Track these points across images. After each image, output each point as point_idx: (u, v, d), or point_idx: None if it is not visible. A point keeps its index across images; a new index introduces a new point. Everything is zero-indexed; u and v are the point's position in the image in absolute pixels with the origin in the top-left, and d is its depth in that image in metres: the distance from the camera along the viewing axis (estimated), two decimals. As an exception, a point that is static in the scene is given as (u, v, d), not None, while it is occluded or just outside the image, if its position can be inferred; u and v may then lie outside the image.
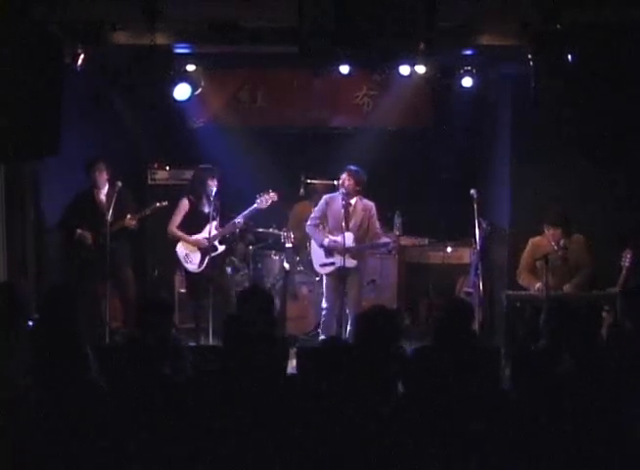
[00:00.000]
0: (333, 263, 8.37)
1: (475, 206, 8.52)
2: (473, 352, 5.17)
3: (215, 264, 8.62)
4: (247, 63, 9.51)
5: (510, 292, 8.23)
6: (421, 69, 8.25)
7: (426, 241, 9.66)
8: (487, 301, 8.61)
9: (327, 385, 4.52)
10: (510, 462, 4.23)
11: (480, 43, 7.78)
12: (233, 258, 9.69)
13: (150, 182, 10.02)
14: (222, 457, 4.17)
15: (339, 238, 8.26)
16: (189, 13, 7.29)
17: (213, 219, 8.46)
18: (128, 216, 8.50)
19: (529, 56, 7.21)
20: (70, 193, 8.81)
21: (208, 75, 9.03)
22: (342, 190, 8.34)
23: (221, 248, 8.71)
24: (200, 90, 8.80)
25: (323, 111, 10.15)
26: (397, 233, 8.56)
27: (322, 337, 8.39)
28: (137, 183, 9.54)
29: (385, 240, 8.53)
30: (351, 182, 8.30)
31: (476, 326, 7.87)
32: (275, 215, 9.51)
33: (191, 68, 8.54)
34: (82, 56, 7.69)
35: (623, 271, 7.65)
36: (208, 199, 8.54)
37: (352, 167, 8.36)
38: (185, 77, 8.50)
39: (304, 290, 9.58)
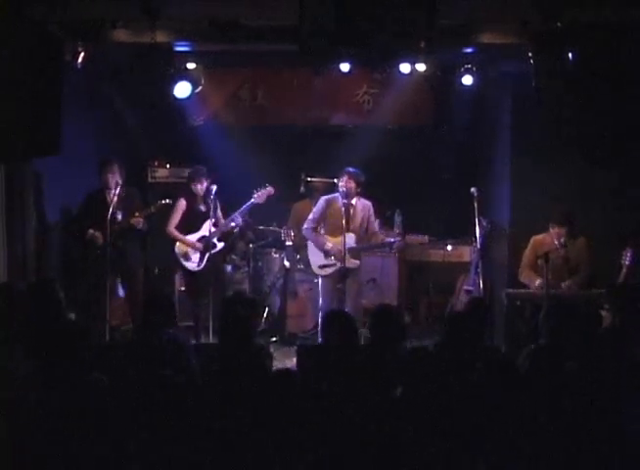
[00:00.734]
0: (334, 264, 8.37)
1: (475, 204, 8.53)
2: (476, 351, 5.19)
3: (213, 261, 8.64)
4: (247, 61, 9.49)
5: (510, 290, 8.23)
6: (421, 67, 8.26)
7: (426, 239, 9.66)
8: (487, 299, 8.60)
9: (327, 383, 4.52)
10: (510, 461, 4.24)
11: (480, 41, 7.77)
12: (233, 257, 9.71)
13: (150, 180, 10.05)
14: (222, 457, 4.18)
15: (339, 240, 8.25)
16: (189, 11, 7.29)
17: (211, 217, 8.47)
18: (136, 214, 8.51)
19: (530, 55, 7.22)
20: (71, 192, 8.82)
21: (209, 73, 9.01)
22: (342, 191, 8.33)
23: (220, 245, 8.72)
24: (200, 88, 8.78)
25: (323, 109, 10.14)
26: (397, 231, 8.56)
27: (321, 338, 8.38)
28: (137, 181, 9.52)
29: (389, 239, 8.54)
30: (352, 185, 8.30)
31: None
32: (275, 214, 9.52)
33: (191, 66, 8.52)
34: (82, 54, 7.68)
35: (624, 270, 7.66)
36: (205, 198, 8.57)
37: (351, 169, 8.36)
38: (185, 75, 8.48)
39: (304, 288, 9.55)
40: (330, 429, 4.24)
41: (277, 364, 6.75)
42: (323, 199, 8.56)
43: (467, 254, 9.51)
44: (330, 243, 8.36)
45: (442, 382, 4.60)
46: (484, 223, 8.80)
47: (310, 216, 8.56)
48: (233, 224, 8.72)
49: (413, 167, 10.12)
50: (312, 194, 9.58)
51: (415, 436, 4.27)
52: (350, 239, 8.26)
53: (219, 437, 4.22)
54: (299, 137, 10.19)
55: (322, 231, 8.51)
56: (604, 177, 8.45)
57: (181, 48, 8.12)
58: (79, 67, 7.73)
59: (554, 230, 8.12)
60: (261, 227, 9.63)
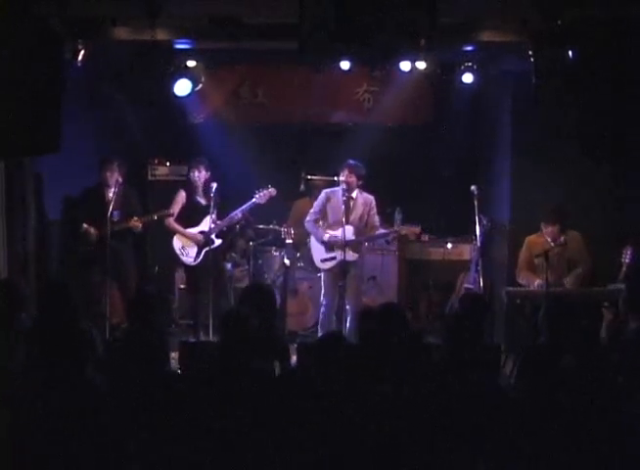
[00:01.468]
0: (334, 258, 8.37)
1: (475, 202, 8.53)
2: (476, 349, 5.19)
3: (213, 259, 8.63)
4: (247, 59, 9.49)
5: (510, 288, 8.23)
6: (421, 65, 8.27)
7: (426, 237, 9.66)
8: (488, 297, 8.61)
9: (327, 381, 4.52)
10: (510, 461, 4.23)
11: (480, 39, 7.79)
12: (233, 254, 9.71)
13: (150, 178, 10.03)
14: (222, 457, 4.18)
15: (338, 232, 8.26)
16: (190, 9, 7.29)
17: (211, 213, 8.47)
18: (135, 218, 8.50)
19: (530, 53, 7.22)
20: (71, 189, 8.82)
21: (209, 71, 9.02)
22: (342, 185, 8.34)
23: (218, 241, 8.73)
24: (200, 86, 8.80)
25: (323, 107, 10.12)
26: (397, 229, 8.57)
27: (320, 334, 8.38)
28: (137, 179, 9.53)
29: (383, 230, 8.55)
30: (353, 178, 8.32)
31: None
32: (275, 212, 9.51)
33: (191, 63, 8.53)
34: (83, 51, 7.70)
35: (624, 268, 7.67)
36: (204, 191, 8.58)
37: (352, 162, 8.37)
38: (185, 73, 8.49)
39: (305, 286, 9.58)
40: (330, 429, 4.23)
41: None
42: (324, 192, 8.60)
43: (467, 252, 9.50)
44: (327, 234, 8.38)
45: (442, 382, 4.61)
46: (484, 221, 8.80)
47: (312, 210, 8.61)
48: (233, 222, 8.73)
49: (413, 166, 10.10)
50: (312, 192, 9.56)
51: (415, 435, 4.26)
52: (349, 231, 8.27)
53: (219, 437, 4.23)
54: (299, 135, 10.18)
55: (323, 225, 8.52)
56: (604, 176, 8.45)
57: (181, 46, 8.14)
58: (80, 65, 7.74)
59: (547, 229, 8.12)
60: (261, 225, 9.62)
